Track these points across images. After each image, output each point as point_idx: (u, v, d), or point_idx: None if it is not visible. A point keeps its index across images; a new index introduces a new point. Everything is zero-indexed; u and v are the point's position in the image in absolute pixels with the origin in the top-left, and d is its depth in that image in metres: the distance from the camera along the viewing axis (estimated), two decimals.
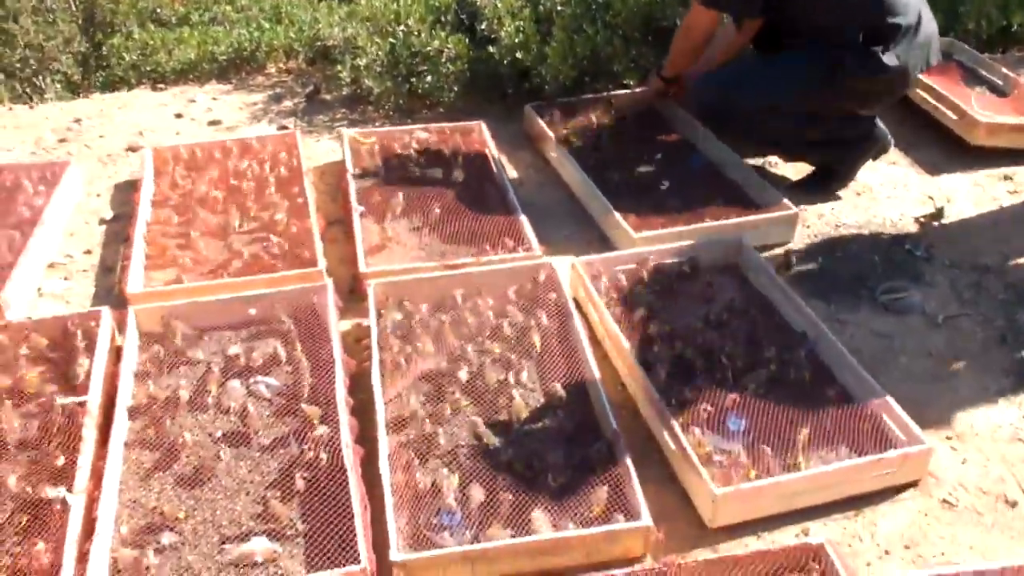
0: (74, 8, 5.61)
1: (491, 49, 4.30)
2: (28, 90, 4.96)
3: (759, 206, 3.46)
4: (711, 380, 2.61)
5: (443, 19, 4.61)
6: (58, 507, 2.19)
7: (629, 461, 2.30)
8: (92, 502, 2.20)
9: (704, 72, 3.81)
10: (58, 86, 5.06)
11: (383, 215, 3.41)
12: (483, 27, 4.41)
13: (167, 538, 2.16)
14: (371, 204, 3.45)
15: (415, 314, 2.84)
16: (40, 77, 5.07)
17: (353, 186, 3.52)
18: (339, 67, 4.52)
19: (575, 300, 2.95)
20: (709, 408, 2.49)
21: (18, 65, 5.11)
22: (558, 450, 2.39)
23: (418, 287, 2.94)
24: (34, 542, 2.11)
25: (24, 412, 2.49)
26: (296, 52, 4.92)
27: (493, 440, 2.43)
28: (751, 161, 3.79)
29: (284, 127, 4.21)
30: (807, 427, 2.43)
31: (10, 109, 4.54)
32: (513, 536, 2.15)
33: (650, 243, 3.17)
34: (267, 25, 5.12)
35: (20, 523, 2.18)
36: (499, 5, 4.39)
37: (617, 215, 3.32)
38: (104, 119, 4.32)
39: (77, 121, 4.28)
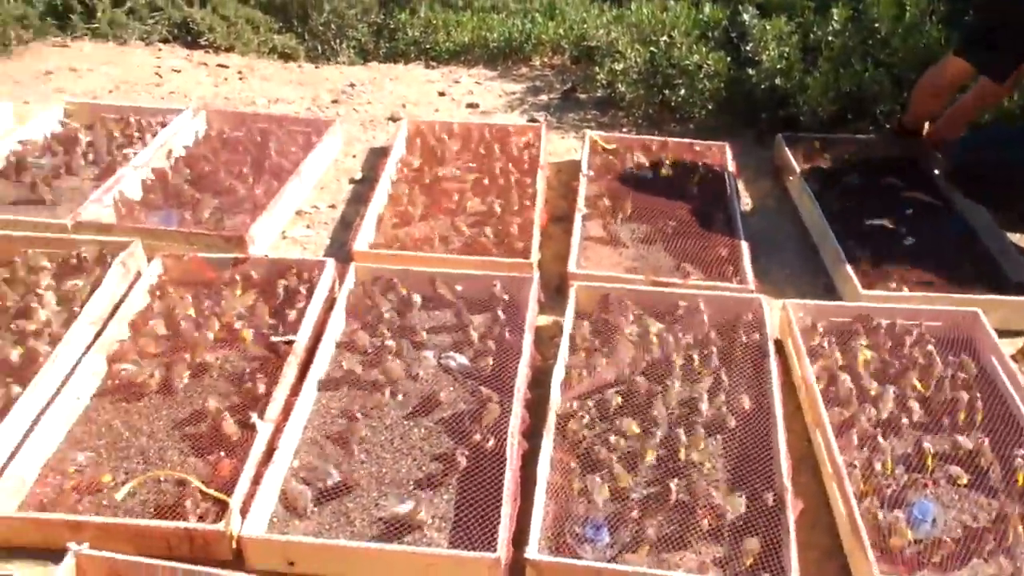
0: None
1: (750, 72, 4.20)
2: (326, 52, 5.41)
3: (1013, 284, 3.15)
4: (907, 459, 2.42)
5: (710, 35, 4.55)
6: (248, 431, 2.40)
7: (792, 520, 2.18)
8: (277, 432, 2.39)
9: (968, 129, 3.54)
10: (351, 51, 5.48)
11: (606, 220, 3.43)
12: (747, 48, 4.31)
13: (331, 481, 2.31)
14: (597, 207, 3.48)
15: (612, 323, 2.84)
16: (337, 41, 5.50)
17: (584, 187, 3.56)
18: (597, 69, 4.58)
19: (777, 343, 2.83)
20: (895, 488, 2.32)
21: (321, 28, 5.58)
22: (723, 491, 2.31)
23: (621, 296, 2.93)
24: (220, 456, 2.33)
25: (240, 342, 2.73)
26: (562, 49, 5.04)
27: (662, 465, 2.39)
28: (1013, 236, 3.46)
29: (534, 120, 4.33)
30: (996, 537, 2.20)
31: (300, 67, 4.98)
32: (652, 567, 2.10)
33: (878, 302, 2.98)
34: (540, 19, 5.27)
35: (214, 435, 2.41)
36: (767, 28, 4.26)
37: (848, 267, 3.14)
38: (375, 87, 4.63)
39: (351, 85, 4.62)
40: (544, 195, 3.50)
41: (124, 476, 2.32)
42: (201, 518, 2.19)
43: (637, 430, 2.47)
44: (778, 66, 4.13)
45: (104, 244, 3.05)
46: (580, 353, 2.71)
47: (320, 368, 2.65)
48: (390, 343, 2.74)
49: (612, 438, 2.44)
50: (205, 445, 2.39)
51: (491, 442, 2.39)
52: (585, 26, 5.00)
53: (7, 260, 3.00)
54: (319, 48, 5.42)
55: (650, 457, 2.41)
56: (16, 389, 2.49)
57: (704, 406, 2.55)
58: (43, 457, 2.37)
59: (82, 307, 2.79)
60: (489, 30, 5.13)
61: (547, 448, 2.36)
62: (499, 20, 5.32)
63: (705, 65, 4.24)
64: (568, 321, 2.80)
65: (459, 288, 2.97)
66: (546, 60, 5.06)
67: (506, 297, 2.94)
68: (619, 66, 4.42)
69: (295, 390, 2.53)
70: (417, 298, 2.93)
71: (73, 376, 2.56)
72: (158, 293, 2.93)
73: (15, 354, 2.62)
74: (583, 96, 4.62)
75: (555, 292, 3.10)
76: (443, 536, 2.19)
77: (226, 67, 4.83)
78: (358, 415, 2.48)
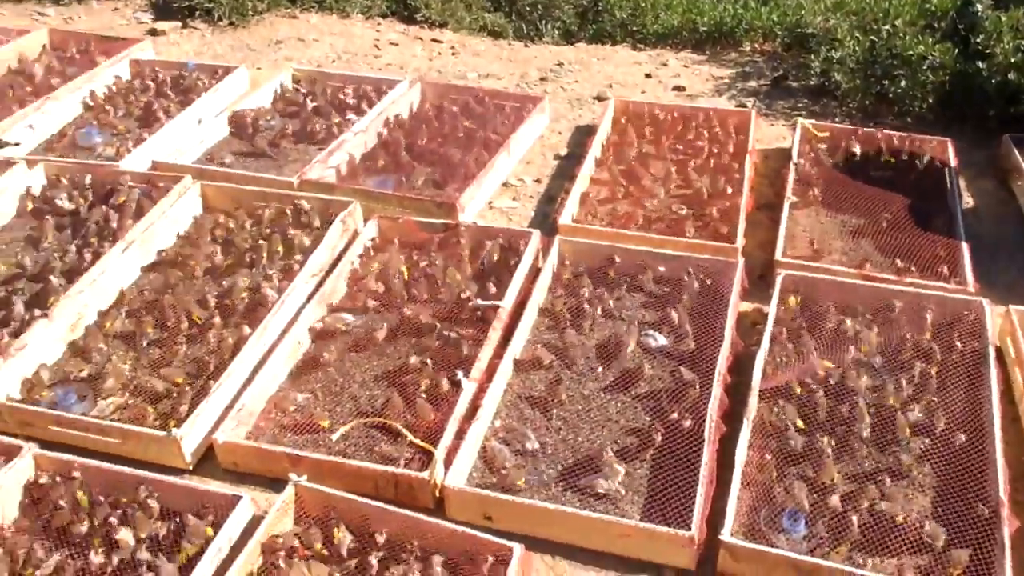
0: None
1: (980, 65, 3.94)
2: (531, 31, 5.50)
3: None
4: None
5: (936, 25, 4.30)
6: (454, 387, 2.51)
7: (1007, 536, 2.07)
8: (480, 391, 2.48)
9: None
10: (556, 32, 5.54)
11: (816, 210, 3.33)
12: (978, 40, 4.04)
13: (530, 444, 2.37)
14: (806, 197, 3.39)
15: (818, 314, 2.76)
16: (543, 22, 5.58)
17: (793, 175, 3.47)
18: (812, 56, 4.43)
19: (997, 349, 2.67)
20: None
21: (528, 8, 5.67)
22: (931, 498, 2.22)
23: (828, 288, 2.85)
24: (427, 408, 2.44)
25: (448, 304, 2.85)
26: (774, 35, 4.90)
27: (862, 464, 2.31)
28: None
29: (743, 105, 4.25)
30: None
31: (510, 44, 5.09)
32: (850, 565, 2.05)
33: None
34: (752, 4, 5.15)
35: (421, 388, 2.53)
36: (1003, 19, 3.99)
37: None
38: (582, 67, 4.67)
39: (560, 64, 4.69)
40: (751, 181, 3.44)
41: (336, 419, 2.48)
42: (407, 465, 2.31)
43: (840, 426, 2.40)
44: (1012, 60, 3.85)
45: (326, 203, 3.24)
46: (784, 342, 2.66)
47: (522, 335, 2.73)
48: (589, 317, 2.78)
49: (815, 433, 2.39)
50: (412, 397, 2.52)
51: (688, 422, 2.39)
52: (802, 12, 4.84)
53: (238, 211, 3.25)
54: (524, 28, 5.52)
55: (853, 455, 2.34)
56: (246, 330, 2.71)
57: (915, 409, 2.45)
58: (267, 393, 2.57)
59: (305, 259, 2.99)
60: (700, 14, 5.06)
61: (745, 434, 2.33)
62: (710, 4, 5.24)
63: (930, 56, 4.02)
64: (772, 308, 2.75)
65: (661, 269, 2.97)
66: (757, 46, 4.94)
67: (708, 281, 2.91)
68: (836, 54, 4.26)
69: (498, 353, 2.62)
70: (618, 276, 2.96)
71: (296, 323, 2.75)
72: (373, 252, 3.09)
73: (245, 296, 2.85)
74: (794, 84, 4.48)
75: (758, 279, 3.04)
76: (635, 509, 2.22)
77: (440, 42, 5.00)
78: (558, 383, 2.54)
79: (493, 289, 2.86)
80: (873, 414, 2.44)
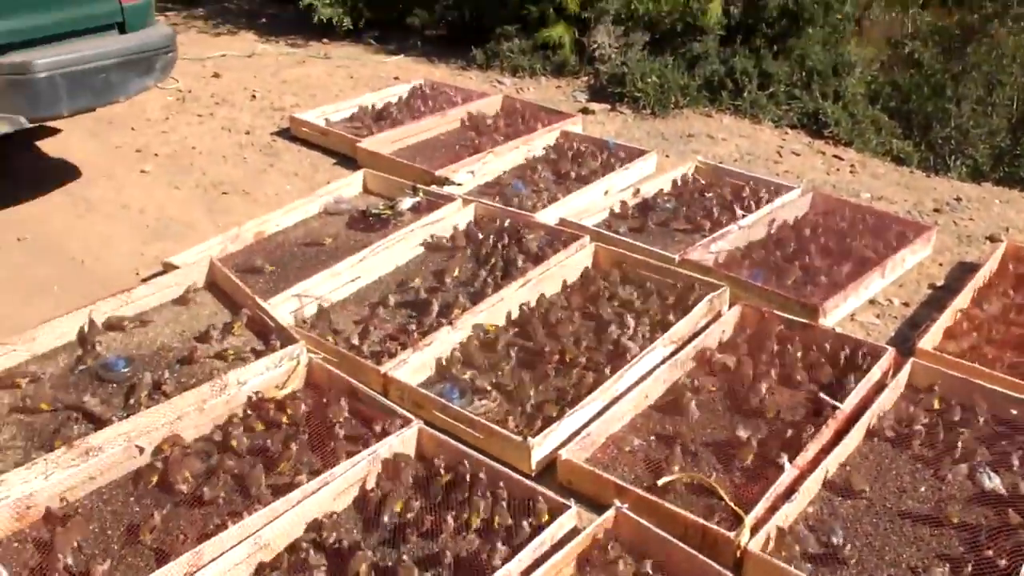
0: (1012, 101, 5.92)
1: None
2: (937, 164, 5.49)
3: None
4: None
5: None
6: (775, 468, 2.71)
7: None
8: (800, 477, 2.65)
9: None
10: (964, 168, 5.48)
11: None
12: None
13: (836, 539, 2.50)
14: None
15: None
16: (952, 157, 5.55)
17: None
18: None
19: None
20: None
21: (940, 141, 5.67)
22: None
23: None
24: (747, 478, 2.67)
25: (789, 392, 3.06)
26: None
27: None
28: None
29: None
30: None
31: (911, 171, 5.13)
32: None
33: None
34: None
35: (746, 460, 2.76)
36: None
37: None
38: (981, 206, 4.61)
39: (957, 199, 4.66)
40: None
41: (662, 467, 2.78)
42: (718, 523, 2.54)
43: None
44: None
45: (699, 281, 3.58)
46: None
47: (852, 442, 2.85)
48: (922, 439, 2.83)
49: None
50: (735, 465, 2.75)
51: (1004, 561, 2.38)
52: None
53: (618, 268, 3.71)
54: (931, 159, 5.52)
55: None
56: (606, 372, 3.11)
57: None
58: (610, 431, 2.94)
59: (666, 328, 3.34)
60: None
61: None
62: None
63: None
64: None
65: (1013, 412, 2.93)
66: None
67: None
68: None
69: (826, 449, 2.77)
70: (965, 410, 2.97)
71: (647, 379, 3.10)
72: (732, 334, 3.37)
73: (610, 346, 3.27)
74: None
75: None
76: None
77: (841, 159, 5.18)
78: (864, 489, 2.64)
79: (838, 390, 3.01)
80: None
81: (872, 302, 3.72)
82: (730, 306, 3.51)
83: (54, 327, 3.25)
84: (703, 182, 4.56)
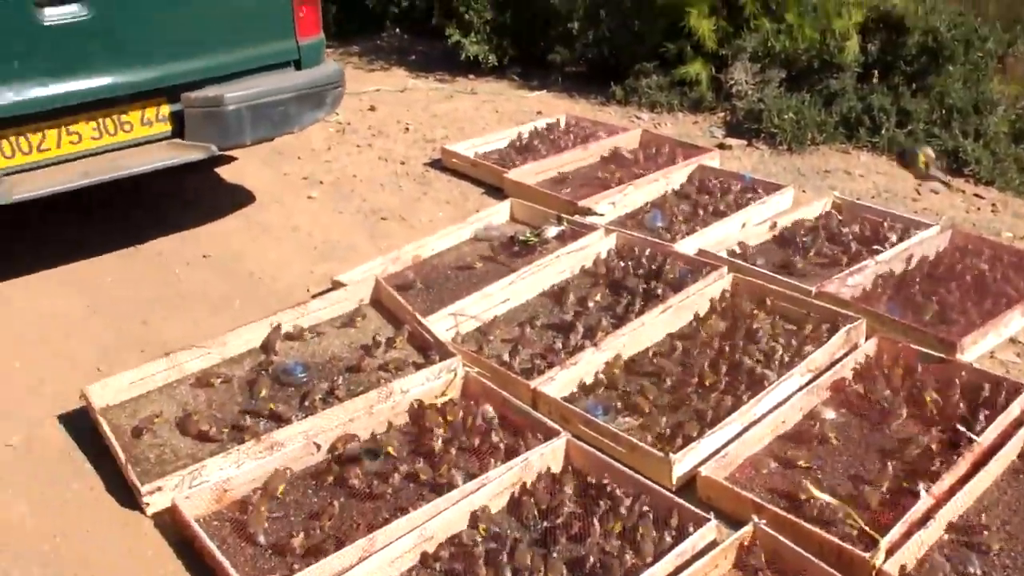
0: None
1: None
2: None
3: None
4: None
5: None
6: (911, 495, 2.81)
7: None
8: (937, 506, 2.75)
9: None
10: None
11: None
12: None
13: (973, 569, 2.58)
14: None
15: None
16: None
17: None
18: None
19: None
20: None
21: None
22: None
23: None
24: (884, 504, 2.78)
25: (925, 426, 3.15)
26: None
27: None
28: None
29: None
30: None
31: None
32: None
33: None
34: None
35: (882, 486, 2.87)
36: None
37: None
38: None
39: None
40: None
41: (800, 486, 2.92)
42: (853, 542, 2.66)
43: None
44: None
45: (836, 313, 3.69)
46: None
47: (991, 472, 2.92)
48: None
49: None
50: (868, 492, 2.86)
51: None
52: None
53: (755, 298, 3.85)
54: None
55: None
56: (744, 397, 3.27)
57: None
58: (748, 452, 3.09)
59: (802, 357, 3.47)
60: None
61: None
62: None
63: None
64: None
65: None
66: None
67: None
68: None
69: (963, 480, 2.85)
70: None
71: (784, 406, 3.24)
72: (868, 365, 3.47)
73: (746, 373, 3.42)
74: None
75: None
76: None
77: (982, 198, 5.16)
78: (1001, 523, 2.71)
79: (973, 426, 3.08)
80: None
81: (1012, 340, 3.74)
82: (866, 339, 3.60)
83: (241, 334, 3.63)
84: (840, 217, 4.65)
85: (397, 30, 8.80)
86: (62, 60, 3.82)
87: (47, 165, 3.98)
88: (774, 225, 4.56)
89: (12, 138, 3.86)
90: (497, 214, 4.74)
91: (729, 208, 4.75)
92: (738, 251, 4.33)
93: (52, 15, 3.76)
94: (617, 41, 6.92)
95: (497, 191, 5.16)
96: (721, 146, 5.80)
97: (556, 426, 3.12)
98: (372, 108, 6.57)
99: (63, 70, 3.83)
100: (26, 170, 3.93)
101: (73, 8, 3.80)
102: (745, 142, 5.87)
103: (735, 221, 4.60)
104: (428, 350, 3.54)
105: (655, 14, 6.62)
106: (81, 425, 3.29)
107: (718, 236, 4.44)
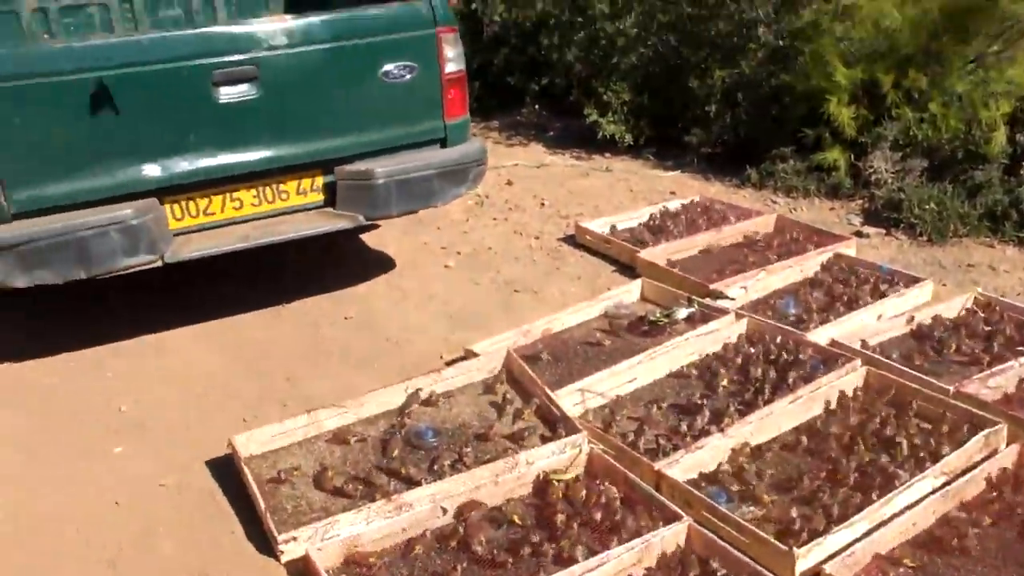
0: None
1: None
2: None
3: None
4: None
5: None
6: None
7: None
8: None
9: None
10: None
11: None
12: None
13: None
14: None
15: None
16: None
17: None
18: None
19: None
20: None
21: None
22: None
23: None
24: None
25: None
26: None
27: None
28: None
29: None
30: None
31: None
32: None
33: None
34: None
35: None
36: None
37: None
38: None
39: None
40: None
41: None
42: None
43: None
44: None
45: (974, 416, 3.58)
46: None
47: None
48: None
49: None
50: None
51: None
52: None
53: (889, 395, 3.78)
54: None
55: None
56: (874, 496, 3.20)
57: None
58: (873, 552, 3.02)
59: (937, 459, 3.37)
60: None
61: None
62: None
63: None
64: None
65: None
66: None
67: None
68: None
69: None
70: None
71: (916, 507, 3.15)
72: (1007, 472, 3.35)
73: (875, 470, 3.35)
74: None
75: None
76: None
77: None
78: None
79: None
80: None
81: None
82: (1007, 444, 3.48)
83: (378, 396, 3.81)
84: (982, 315, 4.52)
85: (536, 106, 9.08)
86: (232, 134, 4.18)
87: (210, 228, 4.32)
88: (911, 319, 4.46)
89: (183, 202, 4.23)
90: (628, 292, 4.81)
91: (865, 299, 4.68)
92: (873, 344, 4.26)
93: (227, 94, 4.11)
94: (754, 125, 6.97)
95: (629, 269, 5.25)
96: (858, 234, 5.73)
97: (678, 510, 3.13)
98: (509, 183, 6.80)
99: (232, 143, 4.19)
100: (192, 232, 4.28)
101: (244, 88, 4.15)
102: (883, 231, 5.78)
103: (870, 312, 4.52)
104: (555, 424, 3.62)
105: (794, 99, 6.65)
106: (226, 471, 3.52)
107: (852, 327, 4.38)
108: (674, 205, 6.06)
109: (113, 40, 4.28)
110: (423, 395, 3.84)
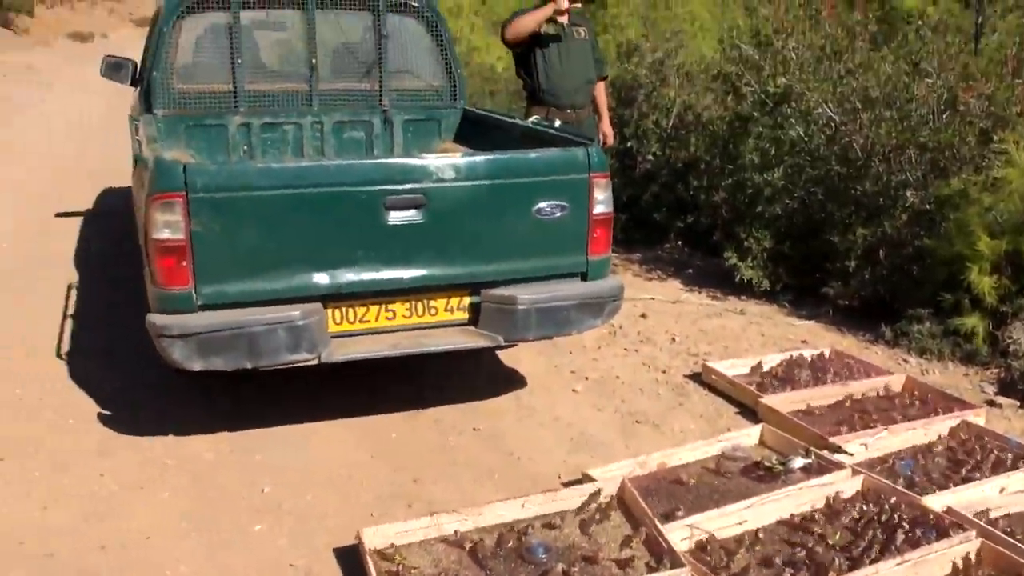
0: None
1: None
2: None
3: None
4: None
5: None
6: None
7: None
8: None
9: None
10: None
11: None
12: None
13: None
14: None
15: None
16: None
17: None
18: None
19: None
20: None
21: None
22: None
23: None
24: None
25: None
26: None
27: None
28: None
29: None
30: None
31: None
32: None
33: None
34: None
35: None
36: None
37: None
38: None
39: None
40: None
41: None
42: None
43: None
44: None
45: None
46: None
47: None
48: None
49: None
50: None
51: None
52: None
53: (1004, 572, 3.75)
54: None
55: None
56: None
57: None
58: None
59: None
60: None
61: None
62: None
63: None
64: None
65: None
66: None
67: None
68: None
69: None
70: None
71: None
72: None
73: None
74: None
75: None
76: None
77: None
78: None
79: None
80: None
81: None
82: None
83: (495, 508, 4.07)
84: None
85: (679, 243, 9.38)
86: (395, 253, 4.66)
87: (364, 334, 4.78)
88: None
89: (343, 309, 4.72)
90: (747, 436, 4.94)
91: (988, 470, 4.65)
92: (992, 517, 4.22)
93: (395, 217, 4.62)
94: (893, 283, 7.01)
95: (751, 413, 5.38)
96: (991, 403, 5.67)
97: None
98: (644, 315, 7.07)
99: (395, 260, 4.67)
100: (348, 336, 4.74)
101: (412, 213, 4.65)
102: (1017, 403, 5.69)
103: (993, 484, 4.48)
104: (661, 555, 3.77)
105: (935, 263, 6.69)
106: (351, 560, 3.83)
107: (971, 497, 4.36)
108: (804, 354, 6.17)
109: (304, 163, 4.89)
110: (538, 512, 4.08)
